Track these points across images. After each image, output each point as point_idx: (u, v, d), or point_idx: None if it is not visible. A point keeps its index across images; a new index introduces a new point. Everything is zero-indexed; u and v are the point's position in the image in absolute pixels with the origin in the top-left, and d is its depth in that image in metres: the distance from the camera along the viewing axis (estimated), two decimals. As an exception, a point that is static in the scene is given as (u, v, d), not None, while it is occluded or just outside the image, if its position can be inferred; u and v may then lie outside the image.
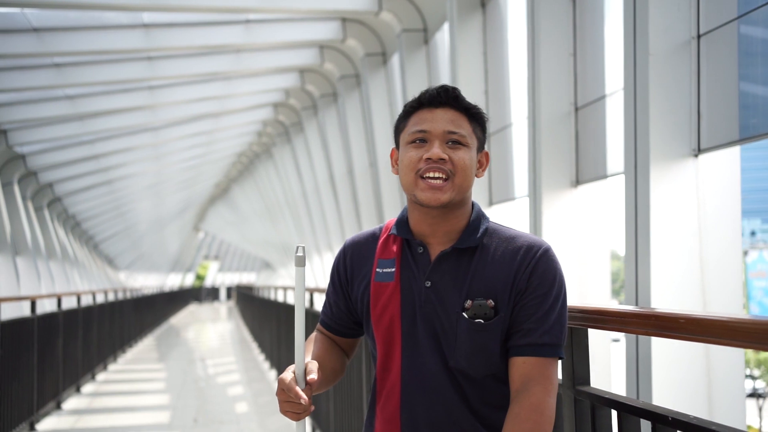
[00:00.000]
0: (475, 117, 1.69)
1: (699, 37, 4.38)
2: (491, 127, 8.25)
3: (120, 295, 14.74)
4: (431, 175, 1.62)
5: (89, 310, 10.20)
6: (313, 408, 1.62)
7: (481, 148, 1.71)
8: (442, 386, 1.65)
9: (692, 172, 4.39)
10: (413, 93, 10.04)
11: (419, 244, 1.70)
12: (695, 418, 1.57)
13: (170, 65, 12.32)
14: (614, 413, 1.84)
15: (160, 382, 10.34)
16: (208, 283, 61.98)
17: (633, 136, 4.47)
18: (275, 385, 9.31)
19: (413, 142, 1.66)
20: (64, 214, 22.29)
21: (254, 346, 14.77)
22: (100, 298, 11.92)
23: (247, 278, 58.08)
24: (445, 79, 9.68)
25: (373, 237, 1.80)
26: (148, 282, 41.75)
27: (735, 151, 4.42)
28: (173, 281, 54.61)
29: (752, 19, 4.21)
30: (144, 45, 10.80)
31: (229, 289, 49.07)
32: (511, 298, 1.63)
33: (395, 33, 10.22)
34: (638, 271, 4.33)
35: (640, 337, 4.21)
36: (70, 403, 8.37)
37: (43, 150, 16.08)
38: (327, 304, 1.85)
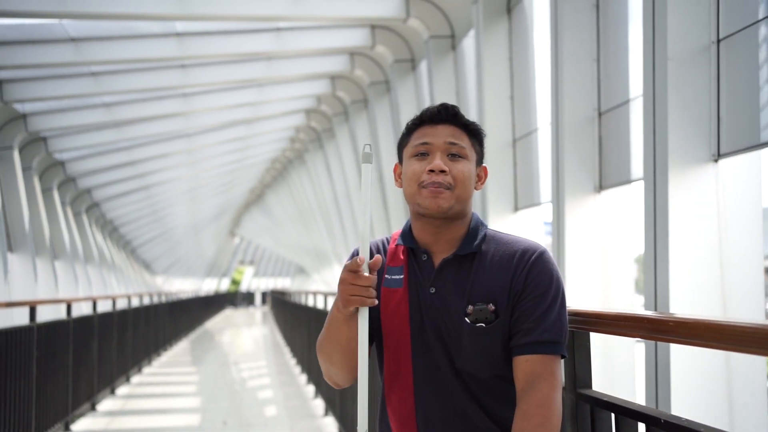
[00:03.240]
0: (474, 133, 1.79)
1: (719, 41, 4.36)
2: (517, 132, 8.24)
3: (155, 299, 14.95)
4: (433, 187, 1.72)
5: (124, 313, 10.39)
6: (374, 299, 1.64)
7: (480, 162, 1.81)
8: (453, 385, 1.72)
9: (712, 177, 4.37)
10: (441, 98, 10.11)
11: (423, 252, 1.78)
12: (687, 420, 1.60)
13: (203, 73, 12.54)
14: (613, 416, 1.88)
15: (192, 385, 10.48)
16: (244, 287, 62.32)
17: (652, 142, 4.46)
18: (305, 390, 9.45)
19: (416, 155, 1.76)
20: (102, 219, 22.73)
21: (287, 351, 14.87)
22: (135, 302, 12.13)
23: (282, 283, 58.33)
24: (472, 85, 9.70)
25: (382, 245, 1.88)
26: (184, 286, 42.20)
27: (755, 155, 4.38)
28: (209, 286, 55.03)
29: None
30: (177, 53, 11.01)
31: (264, 294, 49.26)
32: (509, 300, 1.69)
33: (423, 39, 10.27)
34: (657, 277, 4.31)
35: (659, 343, 4.19)
36: (105, 404, 8.53)
37: (81, 156, 16.44)
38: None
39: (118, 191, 20.48)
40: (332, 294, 8.04)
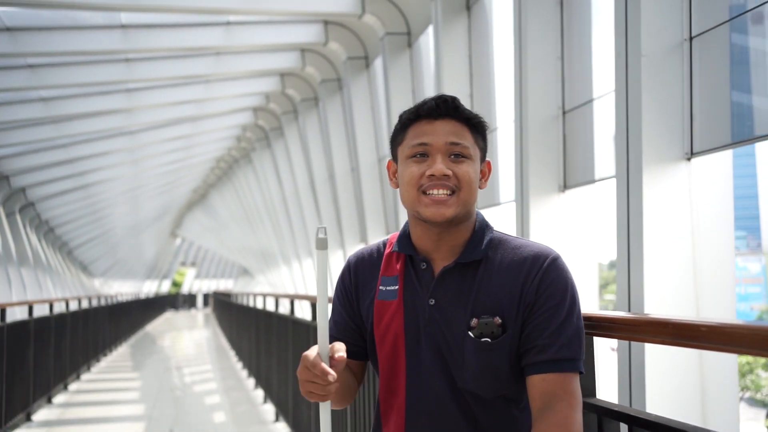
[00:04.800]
0: (477, 127, 1.62)
1: (691, 39, 4.31)
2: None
3: (94, 303, 14.44)
4: (435, 192, 1.56)
5: (62, 317, 9.94)
6: (337, 386, 1.51)
7: (483, 158, 1.65)
8: (449, 409, 1.59)
9: (685, 175, 4.32)
10: (396, 97, 9.96)
11: (422, 260, 1.63)
12: (715, 433, 1.46)
13: (148, 67, 12.09)
14: (624, 427, 1.73)
15: (135, 392, 10.10)
16: (185, 290, 61.34)
17: (625, 139, 4.39)
18: (253, 394, 9.17)
19: (414, 156, 1.59)
20: (37, 220, 21.86)
21: (232, 354, 14.55)
22: (73, 306, 11.65)
23: (224, 285, 57.60)
24: (429, 83, 9.57)
25: (377, 252, 1.73)
26: (123, 289, 41.20)
27: (728, 154, 4.36)
28: (149, 288, 53.99)
29: (742, 28, 4.14)
30: (122, 46, 10.58)
31: (206, 296, 48.62)
32: (519, 313, 1.55)
33: (378, 36, 10.10)
34: (630, 276, 4.23)
35: (632, 343, 4.10)
36: (41, 414, 8.12)
37: (15, 154, 15.72)
38: (332, 325, 1.75)
39: (54, 190, 19.70)
40: (281, 296, 7.82)
